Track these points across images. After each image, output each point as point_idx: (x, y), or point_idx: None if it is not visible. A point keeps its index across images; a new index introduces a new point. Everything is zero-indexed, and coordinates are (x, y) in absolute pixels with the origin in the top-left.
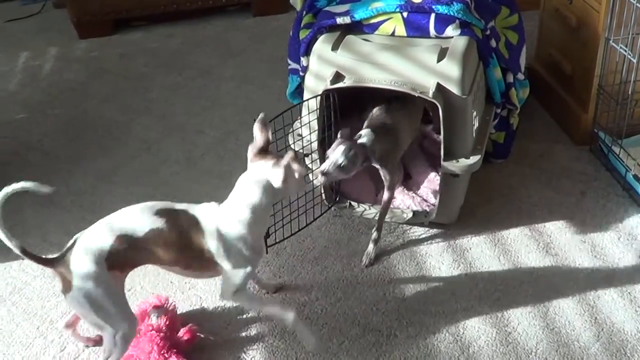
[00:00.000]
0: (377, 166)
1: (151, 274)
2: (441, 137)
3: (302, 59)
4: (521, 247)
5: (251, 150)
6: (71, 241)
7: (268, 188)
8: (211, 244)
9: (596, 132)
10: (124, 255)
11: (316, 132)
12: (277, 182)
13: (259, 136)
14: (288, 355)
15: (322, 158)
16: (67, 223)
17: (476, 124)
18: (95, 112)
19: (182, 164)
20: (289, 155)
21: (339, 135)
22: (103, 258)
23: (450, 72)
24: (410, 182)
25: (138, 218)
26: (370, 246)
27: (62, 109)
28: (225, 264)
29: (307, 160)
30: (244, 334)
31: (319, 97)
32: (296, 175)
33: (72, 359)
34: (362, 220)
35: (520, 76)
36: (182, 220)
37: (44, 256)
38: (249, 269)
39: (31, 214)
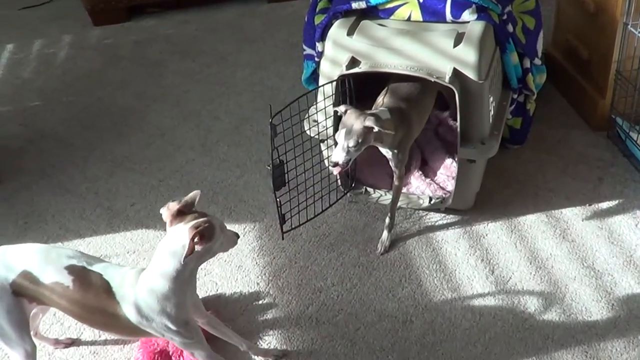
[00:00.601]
0: (388, 154)
1: None
2: (457, 122)
3: (317, 44)
4: (538, 233)
5: (168, 213)
6: None
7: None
8: (130, 315)
9: (613, 118)
10: (29, 290)
11: (332, 117)
12: (197, 246)
13: (172, 204)
14: (304, 340)
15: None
16: (83, 210)
17: (493, 110)
18: (109, 99)
19: (197, 150)
20: (200, 220)
21: (344, 113)
22: (8, 283)
23: (466, 57)
24: (426, 168)
25: (49, 265)
26: (385, 234)
27: (77, 96)
28: (159, 335)
29: (323, 146)
30: (260, 319)
31: (334, 83)
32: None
33: (88, 345)
34: (377, 207)
35: (537, 61)
36: (92, 282)
37: None
38: (185, 340)
39: (47, 202)
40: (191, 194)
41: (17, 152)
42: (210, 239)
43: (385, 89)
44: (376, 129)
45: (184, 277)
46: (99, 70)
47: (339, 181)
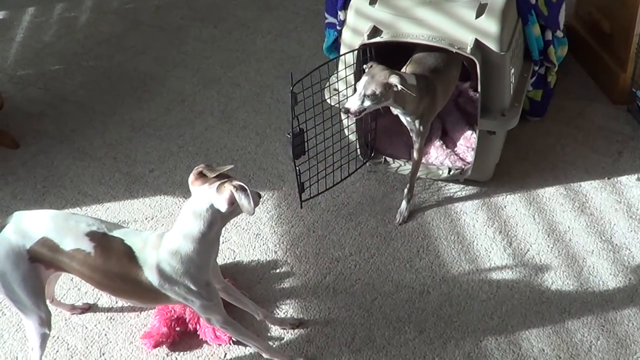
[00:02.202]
0: (409, 124)
1: None
2: (478, 93)
3: (339, 12)
4: (556, 205)
5: (192, 173)
6: (10, 217)
7: (211, 216)
8: (152, 279)
9: (634, 91)
10: (47, 257)
11: (352, 86)
12: (223, 207)
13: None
14: (321, 310)
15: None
16: (102, 174)
17: (514, 81)
18: (130, 64)
19: (217, 117)
20: (234, 182)
21: (370, 67)
22: (25, 249)
23: (488, 28)
24: (446, 138)
25: (69, 232)
26: (403, 204)
27: (97, 60)
28: (179, 299)
29: (343, 115)
30: (277, 288)
31: (355, 52)
32: (244, 202)
33: (105, 310)
34: (396, 177)
35: (559, 34)
36: (114, 248)
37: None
38: (205, 302)
39: (66, 166)
40: (227, 167)
41: (36, 116)
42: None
43: (409, 60)
44: (398, 87)
45: (209, 239)
46: (119, 35)
47: (358, 150)
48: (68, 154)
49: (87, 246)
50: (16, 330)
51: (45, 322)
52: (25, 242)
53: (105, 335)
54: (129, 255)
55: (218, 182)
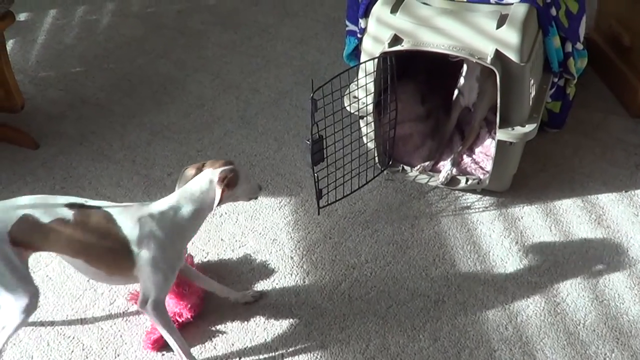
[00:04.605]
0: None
1: (202, 231)
2: (497, 103)
3: (360, 20)
4: (573, 218)
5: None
6: None
7: (210, 191)
8: (131, 235)
9: None
10: (27, 235)
11: (372, 94)
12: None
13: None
14: (336, 316)
15: (377, 120)
16: (120, 177)
17: (533, 93)
18: (150, 68)
19: (236, 122)
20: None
21: None
22: (6, 232)
23: (509, 39)
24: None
25: (48, 206)
26: (448, 165)
27: (118, 63)
28: (141, 263)
29: (362, 123)
30: (293, 293)
31: (376, 60)
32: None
33: (120, 312)
34: (414, 185)
35: (579, 46)
36: (92, 213)
37: None
38: (166, 270)
39: (85, 168)
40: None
41: (57, 117)
42: (233, 186)
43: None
44: None
45: (204, 207)
46: (140, 38)
47: (376, 158)
48: (87, 156)
49: (67, 214)
50: (32, 330)
51: (36, 297)
52: (6, 224)
53: (121, 336)
54: (107, 217)
55: (221, 169)
